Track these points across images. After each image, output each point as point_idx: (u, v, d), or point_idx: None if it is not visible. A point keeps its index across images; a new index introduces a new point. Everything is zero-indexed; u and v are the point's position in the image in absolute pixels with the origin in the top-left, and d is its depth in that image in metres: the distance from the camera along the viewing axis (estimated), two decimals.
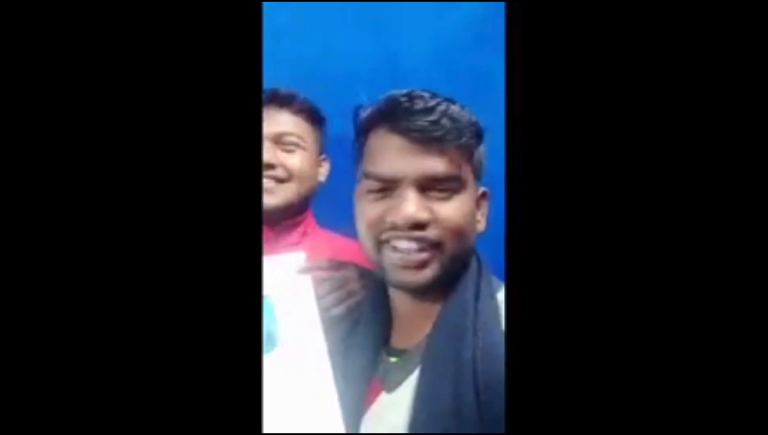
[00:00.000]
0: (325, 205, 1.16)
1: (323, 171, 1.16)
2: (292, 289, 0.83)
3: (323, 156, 1.16)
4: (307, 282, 0.84)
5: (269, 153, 1.06)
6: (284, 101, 1.09)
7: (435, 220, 0.72)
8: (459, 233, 0.73)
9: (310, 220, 1.15)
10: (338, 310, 0.86)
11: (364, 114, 0.79)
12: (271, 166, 1.06)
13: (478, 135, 0.77)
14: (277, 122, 1.08)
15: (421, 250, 0.72)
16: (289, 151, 1.09)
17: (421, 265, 0.73)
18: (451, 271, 0.74)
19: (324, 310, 0.83)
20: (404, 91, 0.76)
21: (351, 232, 0.84)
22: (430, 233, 0.72)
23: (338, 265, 0.89)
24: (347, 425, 0.72)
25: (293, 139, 1.09)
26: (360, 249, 0.81)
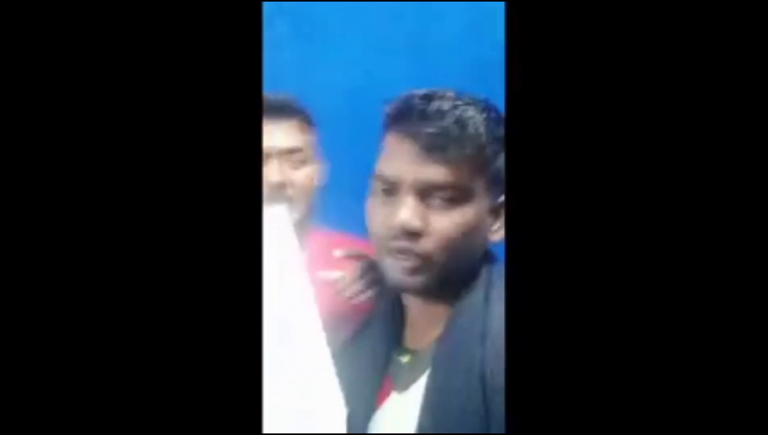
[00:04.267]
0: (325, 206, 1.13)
1: (320, 175, 1.11)
2: (277, 245, 0.78)
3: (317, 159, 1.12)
4: (290, 236, 0.79)
5: (277, 171, 1.01)
6: (281, 112, 1.04)
7: (427, 231, 0.70)
8: (451, 247, 0.70)
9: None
10: (362, 298, 0.84)
11: (387, 110, 0.76)
12: (282, 186, 1.01)
13: (498, 144, 0.72)
14: (277, 136, 1.03)
15: (410, 258, 0.70)
16: (296, 168, 1.04)
17: (412, 272, 0.71)
18: (450, 278, 0.72)
19: (354, 296, 0.82)
20: (424, 90, 0.73)
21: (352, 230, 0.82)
22: (419, 245, 0.70)
23: (357, 256, 0.88)
24: (357, 423, 0.72)
25: (300, 156, 1.04)
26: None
